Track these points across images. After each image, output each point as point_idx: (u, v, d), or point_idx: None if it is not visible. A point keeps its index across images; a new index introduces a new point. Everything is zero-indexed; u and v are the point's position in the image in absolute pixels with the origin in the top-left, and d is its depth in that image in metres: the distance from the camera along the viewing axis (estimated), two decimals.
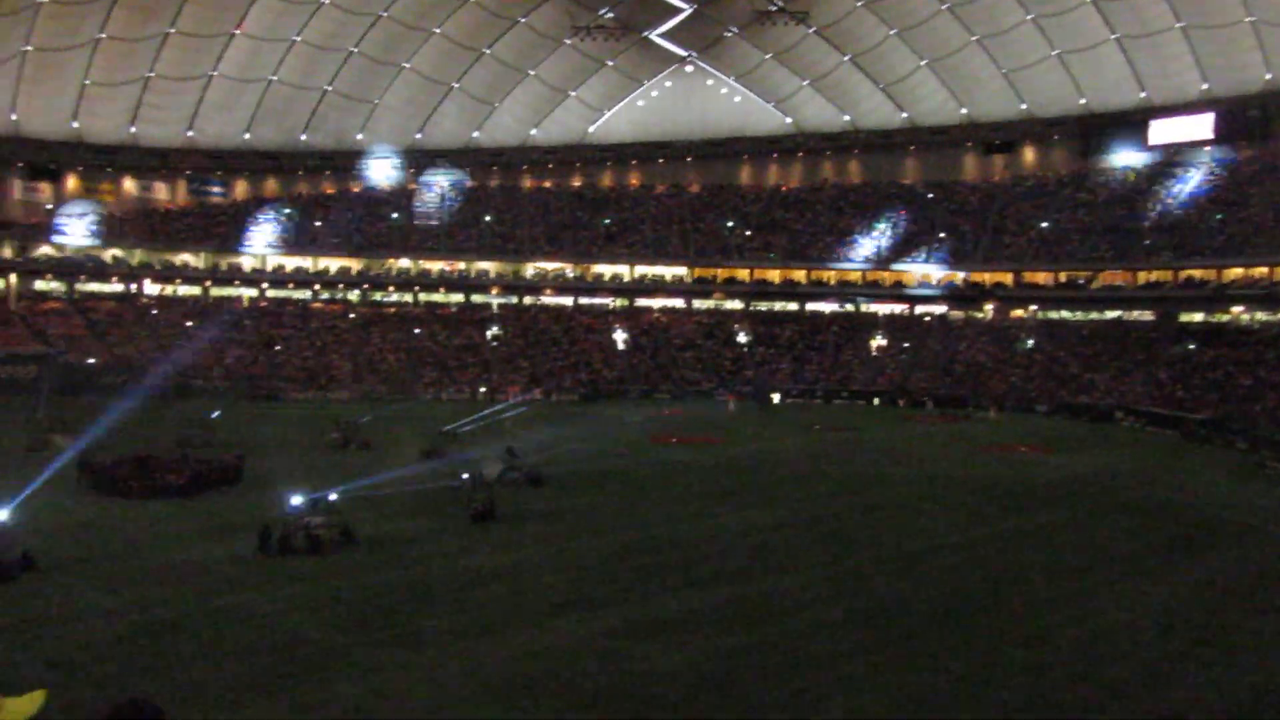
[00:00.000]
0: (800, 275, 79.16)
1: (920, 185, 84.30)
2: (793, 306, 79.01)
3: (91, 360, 64.13)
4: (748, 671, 14.03)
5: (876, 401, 64.18)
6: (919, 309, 76.11)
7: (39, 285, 74.65)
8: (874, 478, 33.27)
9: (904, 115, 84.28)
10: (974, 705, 12.96)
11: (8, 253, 72.90)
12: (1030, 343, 68.66)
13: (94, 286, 75.87)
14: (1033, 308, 72.84)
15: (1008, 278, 74.55)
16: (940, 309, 75.51)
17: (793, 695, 13.14)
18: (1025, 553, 22.42)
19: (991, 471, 35.27)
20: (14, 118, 72.31)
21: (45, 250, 74.82)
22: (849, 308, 76.39)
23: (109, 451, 30.52)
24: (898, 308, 76.83)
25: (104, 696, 12.42)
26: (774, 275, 79.84)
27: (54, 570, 18.96)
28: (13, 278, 72.61)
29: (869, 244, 78.57)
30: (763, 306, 79.31)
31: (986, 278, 75.11)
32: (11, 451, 34.29)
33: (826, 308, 78.10)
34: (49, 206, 76.45)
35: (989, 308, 74.57)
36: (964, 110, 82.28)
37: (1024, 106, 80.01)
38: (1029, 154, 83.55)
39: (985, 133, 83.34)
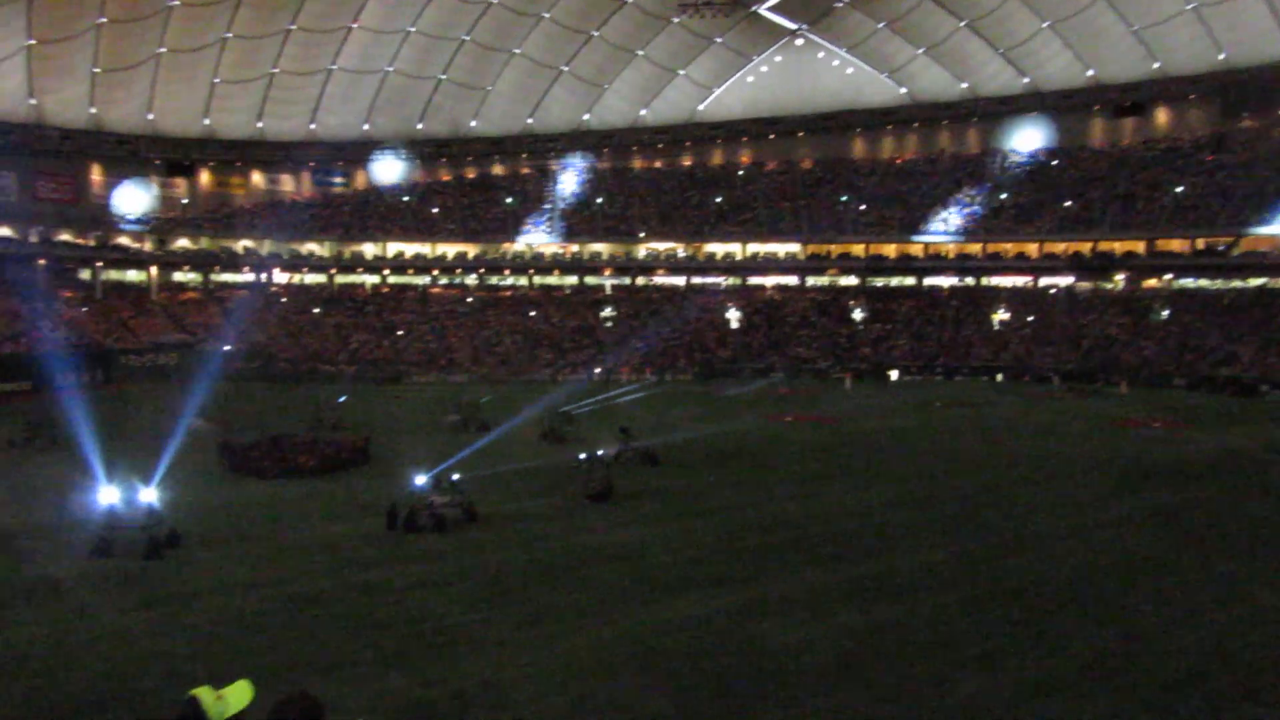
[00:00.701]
0: (917, 249, 77.25)
1: (1043, 153, 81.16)
2: (910, 281, 77.22)
3: (226, 347, 67.19)
4: (871, 651, 13.81)
5: (999, 377, 62.29)
6: (1043, 281, 73.40)
7: (177, 276, 78.66)
8: (998, 455, 32.32)
9: (1026, 80, 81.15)
10: (1110, 688, 12.45)
11: (149, 246, 76.88)
12: (1165, 313, 65.49)
13: (227, 276, 79.51)
14: (1167, 277, 69.44)
15: (1139, 246, 71.16)
16: (1066, 280, 72.64)
17: (917, 676, 12.87)
18: (1164, 532, 21.43)
19: (1124, 448, 33.83)
20: (150, 117, 76.05)
21: (183, 242, 78.64)
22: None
23: (246, 434, 31.96)
24: (1020, 280, 74.28)
25: (252, 670, 13.02)
26: (890, 250, 78.12)
27: (198, 547, 19.96)
28: (154, 270, 76.66)
29: (989, 215, 76.09)
30: (878, 282, 77.76)
31: (1116, 246, 71.86)
32: (158, 435, 36.22)
33: (945, 281, 76.03)
34: (184, 201, 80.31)
35: (1119, 278, 71.40)
36: (1091, 72, 78.70)
37: (1157, 65, 75.99)
38: (1162, 116, 79.39)
39: (1114, 95, 79.50)
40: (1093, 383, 57.02)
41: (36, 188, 71.69)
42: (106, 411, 44.16)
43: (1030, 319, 68.84)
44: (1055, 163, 79.20)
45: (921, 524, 22.23)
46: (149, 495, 20.27)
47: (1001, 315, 69.58)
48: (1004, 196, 76.95)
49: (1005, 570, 18.22)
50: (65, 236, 72.00)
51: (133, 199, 77.93)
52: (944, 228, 76.32)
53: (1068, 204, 73.90)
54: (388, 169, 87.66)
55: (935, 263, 76.35)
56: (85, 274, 72.81)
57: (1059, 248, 73.38)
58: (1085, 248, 72.62)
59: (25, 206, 70.52)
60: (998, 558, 19.13)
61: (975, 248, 75.61)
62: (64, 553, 19.46)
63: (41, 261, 68.92)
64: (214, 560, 19.11)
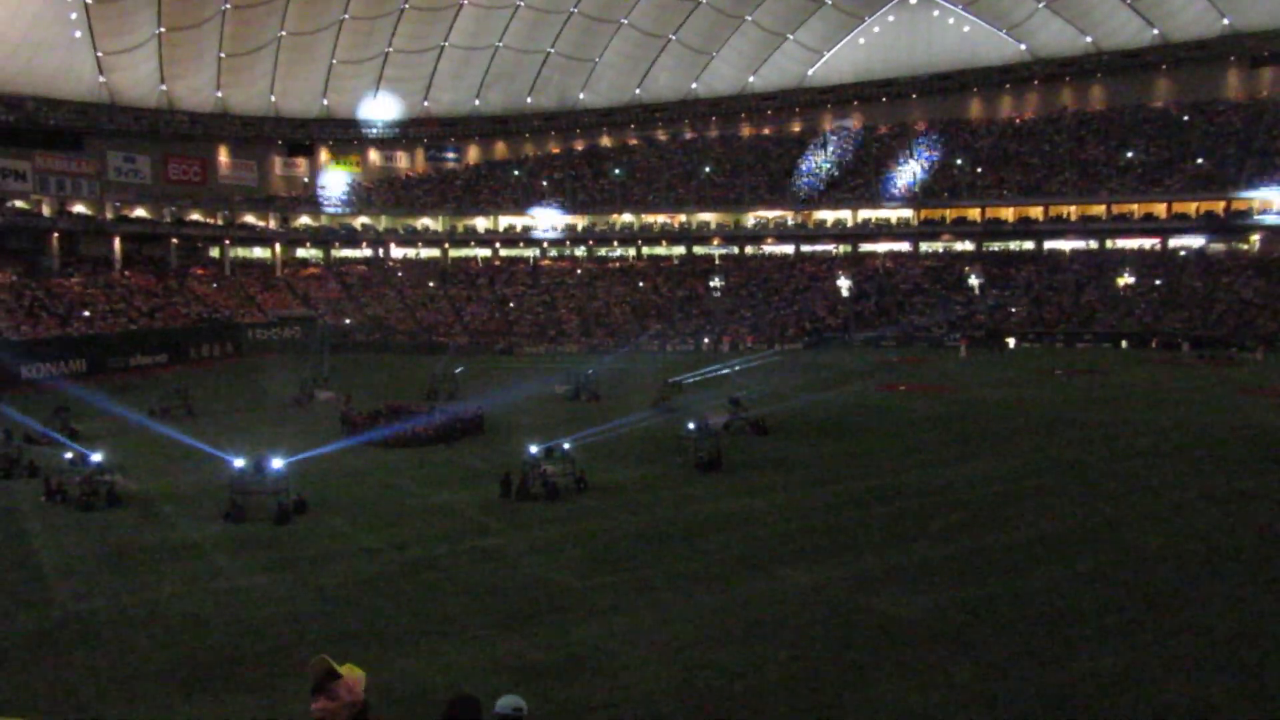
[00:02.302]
0: (1037, 212, 74.37)
1: (1174, 107, 77.02)
2: (1029, 245, 74.50)
3: (348, 320, 69.48)
4: (986, 623, 13.51)
5: (1124, 344, 59.73)
6: (1173, 242, 69.89)
7: (300, 253, 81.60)
8: (1122, 425, 31.04)
9: (1155, 31, 77.03)
10: (1240, 667, 11.87)
11: (273, 224, 79.85)
12: None
13: (346, 252, 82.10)
14: None
15: (1277, 203, 66.94)
16: (1198, 241, 69.02)
17: (1033, 650, 12.52)
18: None
19: (1259, 418, 32.09)
20: (273, 99, 78.70)
21: (304, 220, 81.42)
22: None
23: (366, 404, 33.02)
24: (1148, 242, 70.88)
25: (375, 632, 13.51)
26: (1007, 213, 75.42)
27: (323, 513, 20.78)
28: (278, 247, 79.63)
29: (1115, 174, 72.74)
30: (995, 246, 75.29)
31: (1252, 204, 67.83)
32: (282, 405, 37.74)
33: (1067, 245, 73.11)
34: (305, 180, 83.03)
35: (1255, 238, 67.49)
36: (1226, 20, 74.15)
37: None
38: None
39: (1252, 44, 74.70)
40: (1225, 349, 54.19)
41: (168, 170, 75.09)
42: (237, 383, 46.20)
43: (1158, 283, 65.69)
44: (1186, 118, 75.08)
45: (1040, 495, 21.57)
46: (278, 463, 21.19)
47: (1127, 279, 66.59)
48: (1130, 155, 73.42)
49: (1129, 543, 17.55)
50: (195, 216, 75.31)
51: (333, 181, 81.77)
52: (1065, 189, 73.28)
53: (1199, 161, 70.06)
54: (498, 144, 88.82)
55: (1056, 225, 73.43)
56: (214, 252, 76.11)
57: (1190, 207, 69.68)
58: (1218, 206, 68.76)
59: (158, 188, 74.01)
60: (1121, 530, 18.44)
61: (1099, 209, 72.41)
62: (200, 517, 20.53)
63: (174, 240, 72.33)
64: (338, 526, 19.87)
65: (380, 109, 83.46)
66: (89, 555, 17.82)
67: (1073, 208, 73.17)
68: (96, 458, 22.31)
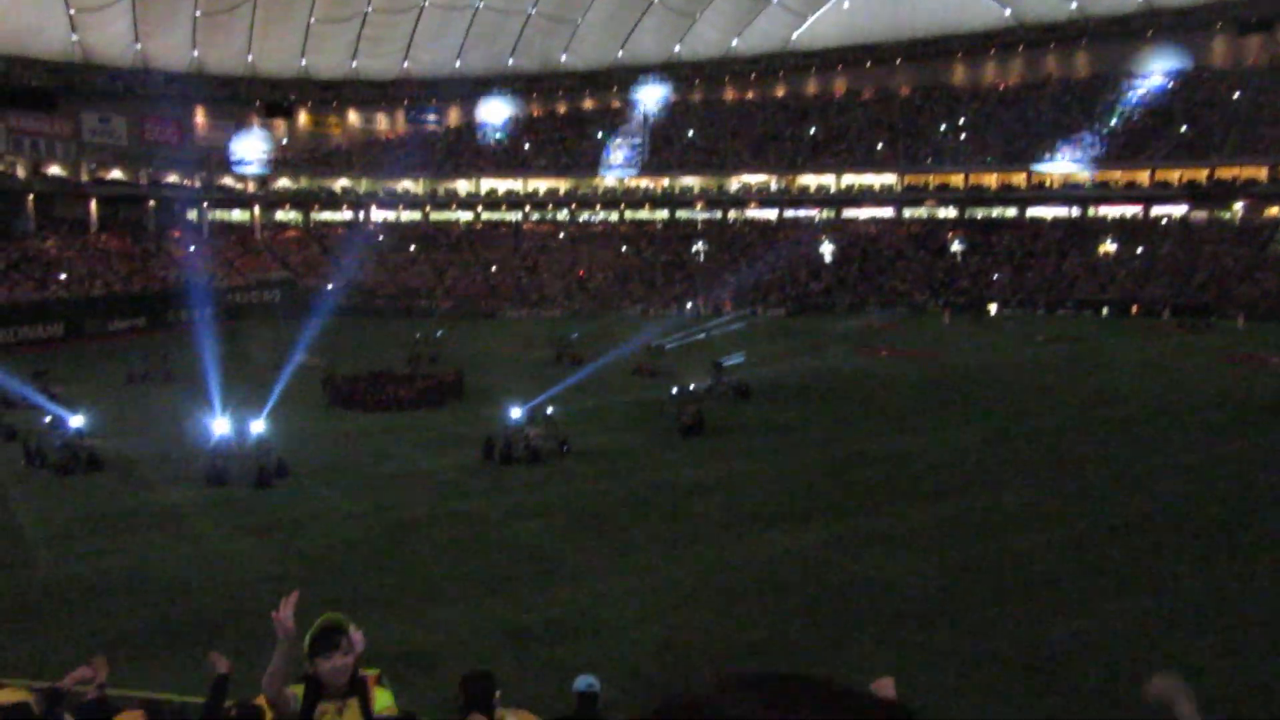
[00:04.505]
0: (1020, 179, 74.38)
1: (1158, 74, 76.91)
2: (1011, 213, 74.58)
3: (329, 285, 68.94)
4: (967, 588, 13.65)
5: (1105, 312, 60.09)
6: (1155, 211, 70.08)
7: (279, 216, 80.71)
8: (1102, 391, 31.28)
9: None
10: (1217, 631, 12.07)
11: (251, 187, 78.92)
12: None
13: (326, 215, 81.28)
14: None
15: (1261, 172, 67.18)
16: (1180, 210, 69.23)
17: (1013, 615, 12.67)
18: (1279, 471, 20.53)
19: (1238, 385, 32.38)
20: (250, 59, 77.50)
21: (283, 182, 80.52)
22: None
23: (347, 368, 32.88)
24: (1130, 210, 71.04)
25: (359, 594, 13.51)
26: (990, 180, 75.41)
27: (305, 476, 20.72)
28: (256, 209, 78.77)
29: (1097, 142, 72.73)
30: (978, 214, 75.32)
31: (1237, 173, 68.04)
32: (265, 370, 37.49)
33: (1049, 213, 73.22)
34: (284, 141, 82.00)
35: (1237, 207, 67.75)
36: None
37: None
38: None
39: (1240, 10, 74.51)
40: (1206, 317, 54.60)
41: (144, 131, 73.91)
42: (217, 347, 45.83)
43: (1140, 251, 65.99)
44: (1171, 85, 75.05)
45: (1021, 461, 21.76)
46: (258, 427, 21.08)
47: (1109, 247, 66.85)
48: (1114, 122, 73.42)
49: (1109, 509, 17.73)
50: (173, 178, 74.30)
51: (248, 146, 79.89)
52: (1049, 156, 73.27)
53: (1184, 129, 70.14)
54: (479, 106, 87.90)
55: (1039, 193, 73.47)
56: (192, 214, 75.20)
57: (1173, 175, 69.81)
58: (1202, 175, 68.94)
59: (135, 149, 72.88)
60: (1101, 496, 18.62)
61: (1082, 177, 72.47)
62: (181, 481, 20.43)
63: (152, 203, 71.40)
64: (320, 489, 19.83)
65: (359, 70, 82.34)
66: (69, 519, 17.72)
67: (1056, 175, 73.26)
68: (75, 422, 22.13)
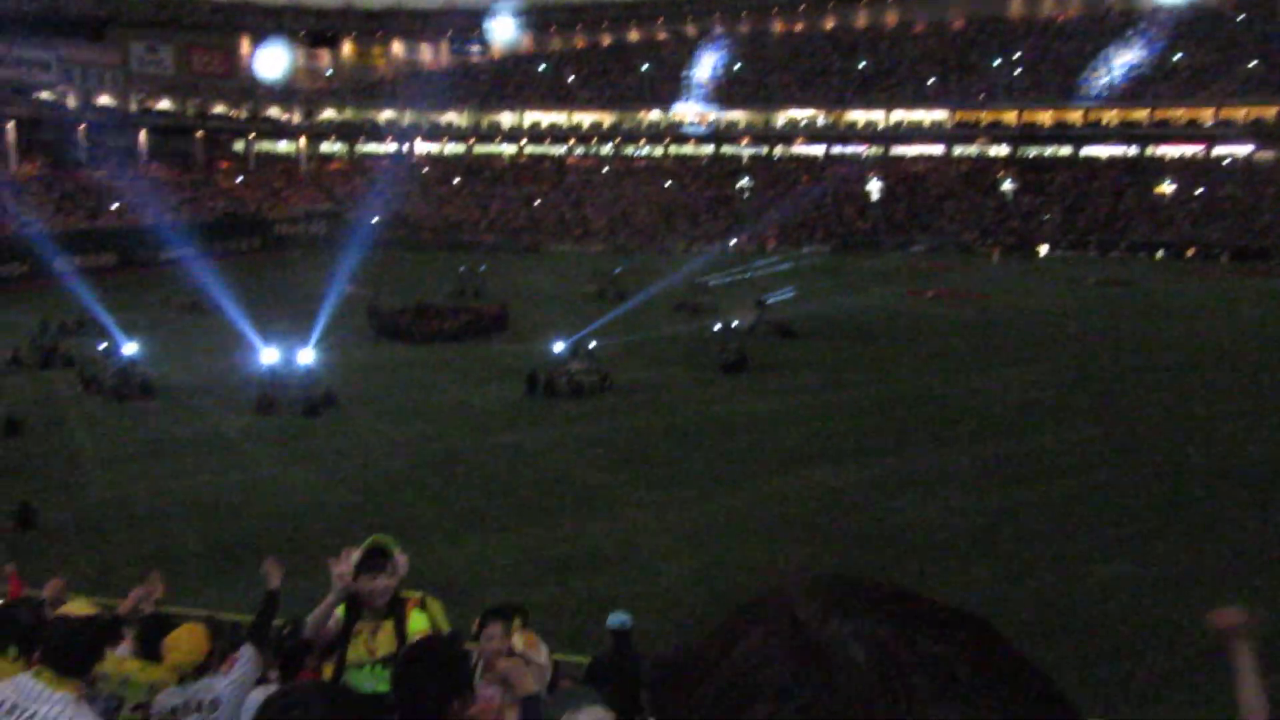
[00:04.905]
0: (1075, 116, 72.31)
1: (1229, 5, 73.83)
2: (1065, 151, 72.69)
3: (376, 219, 69.22)
4: (1006, 530, 13.64)
5: (1160, 254, 58.70)
6: (1218, 150, 67.89)
7: (324, 147, 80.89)
8: (1154, 336, 30.70)
9: None
10: (1257, 580, 11.92)
11: (297, 118, 79.08)
12: None
13: (371, 147, 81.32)
14: None
15: None
16: (1245, 149, 66.99)
17: (1052, 558, 12.65)
18: None
19: None
20: None
21: (328, 113, 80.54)
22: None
23: (393, 299, 33.17)
24: (1191, 149, 68.86)
25: (403, 521, 13.79)
26: (1045, 117, 73.40)
27: (351, 406, 21.07)
28: (302, 141, 79.00)
29: (1159, 78, 70.32)
30: (1031, 152, 73.51)
31: None
32: (312, 300, 37.91)
33: (1104, 152, 71.25)
34: (329, 73, 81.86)
35: None
36: None
37: None
38: None
39: None
40: (1267, 261, 53.13)
41: (191, 61, 74.13)
42: (264, 278, 46.43)
43: (1199, 192, 64.12)
44: (1241, 17, 72.09)
45: (1066, 405, 21.51)
46: (306, 357, 21.42)
47: (1167, 187, 65.01)
48: (1178, 57, 70.86)
49: (1154, 455, 17.51)
50: (219, 109, 74.62)
51: (273, 63, 79.39)
52: (1106, 92, 71.05)
53: (1252, 64, 67.53)
54: (524, 36, 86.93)
55: (1095, 131, 71.43)
56: (239, 145, 75.61)
57: (1238, 113, 67.43)
58: (1270, 113, 66.50)
59: (182, 80, 73.18)
60: (1147, 442, 18.39)
61: (1141, 114, 70.27)
62: (230, 409, 20.87)
63: (199, 133, 71.86)
64: (366, 419, 20.17)
65: (403, 0, 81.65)
66: (124, 444, 18.22)
67: (1113, 112, 71.10)
68: (129, 349, 22.62)
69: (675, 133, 79.34)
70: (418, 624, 4.60)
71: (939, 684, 0.47)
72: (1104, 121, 71.33)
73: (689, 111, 78.89)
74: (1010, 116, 73.71)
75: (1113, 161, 70.27)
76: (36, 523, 13.54)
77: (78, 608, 5.17)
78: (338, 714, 2.72)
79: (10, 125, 56.95)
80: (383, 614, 4.53)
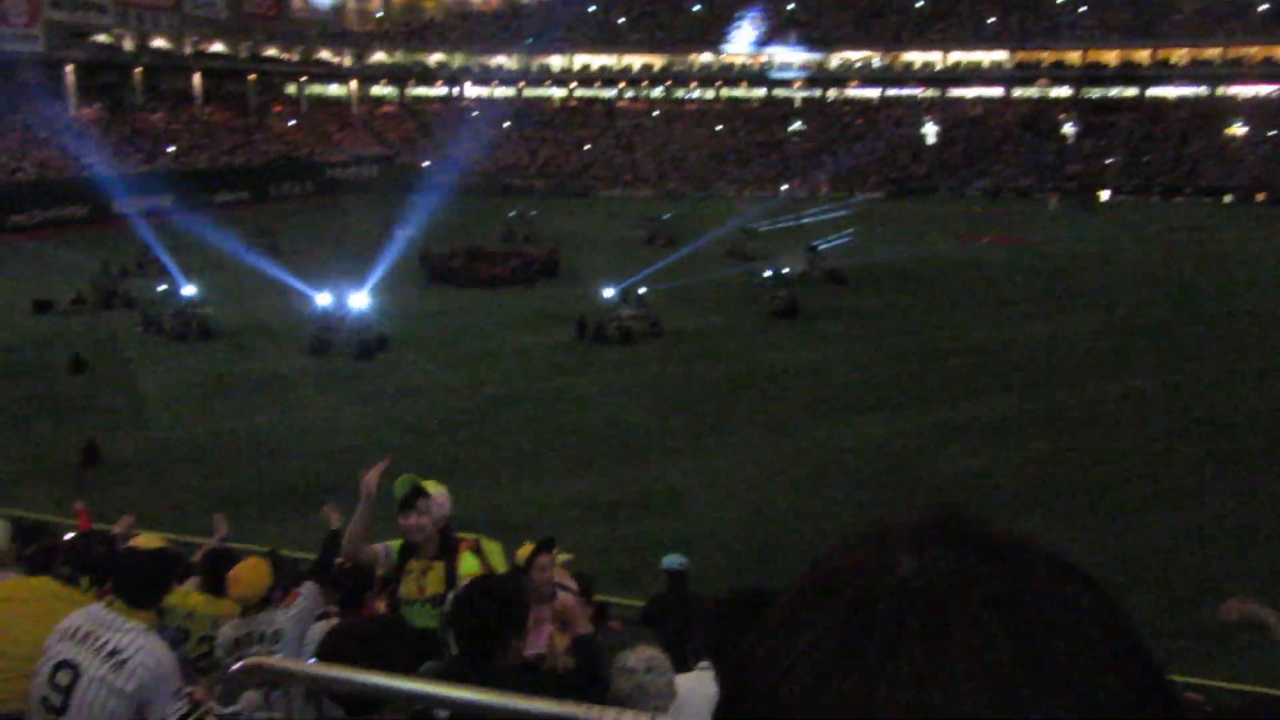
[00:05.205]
0: (1143, 56, 69.86)
1: None
2: (1131, 92, 70.35)
3: (426, 163, 69.34)
4: (1060, 480, 13.49)
5: (1228, 199, 56.88)
6: None
7: (375, 91, 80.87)
8: (1219, 284, 29.90)
9: None
10: None
11: (348, 61, 79.08)
12: None
13: (420, 90, 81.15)
14: None
15: None
16: None
17: (1106, 509, 12.51)
18: None
19: None
20: None
21: (379, 56, 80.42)
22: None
23: (444, 244, 33.33)
24: (1265, 89, 66.14)
25: (454, 465, 13.97)
26: (1110, 57, 71.01)
27: (403, 350, 21.31)
28: (353, 84, 79.07)
29: (1233, 13, 67.48)
30: (1094, 94, 71.27)
31: None
32: (363, 244, 38.24)
33: (1173, 92, 68.84)
34: (379, 15, 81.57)
35: None
36: None
37: None
38: None
39: None
40: None
41: (243, 3, 74.24)
42: (317, 221, 46.92)
43: (1272, 134, 61.83)
44: None
45: (1125, 354, 21.11)
46: (360, 300, 21.66)
47: (1238, 129, 62.77)
48: None
49: (1213, 405, 17.15)
50: (271, 52, 74.81)
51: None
52: (1176, 30, 68.44)
53: None
54: None
55: (1163, 70, 68.94)
56: (291, 89, 75.86)
57: None
58: None
59: (235, 22, 73.37)
60: (1206, 392, 18.00)
61: (1213, 52, 67.63)
62: (286, 351, 21.24)
63: (252, 76, 72.18)
64: (418, 363, 20.40)
65: None
66: (184, 384, 18.64)
67: (1183, 51, 68.50)
68: (188, 291, 23.04)
69: (726, 75, 78.13)
70: (469, 566, 4.71)
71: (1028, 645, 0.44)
72: (1173, 60, 68.76)
73: (740, 52, 77.52)
74: (1074, 56, 71.44)
75: (1181, 102, 67.94)
76: (101, 459, 13.96)
77: (147, 542, 5.33)
78: (392, 646, 2.85)
79: (69, 69, 57.56)
80: (434, 555, 4.67)
